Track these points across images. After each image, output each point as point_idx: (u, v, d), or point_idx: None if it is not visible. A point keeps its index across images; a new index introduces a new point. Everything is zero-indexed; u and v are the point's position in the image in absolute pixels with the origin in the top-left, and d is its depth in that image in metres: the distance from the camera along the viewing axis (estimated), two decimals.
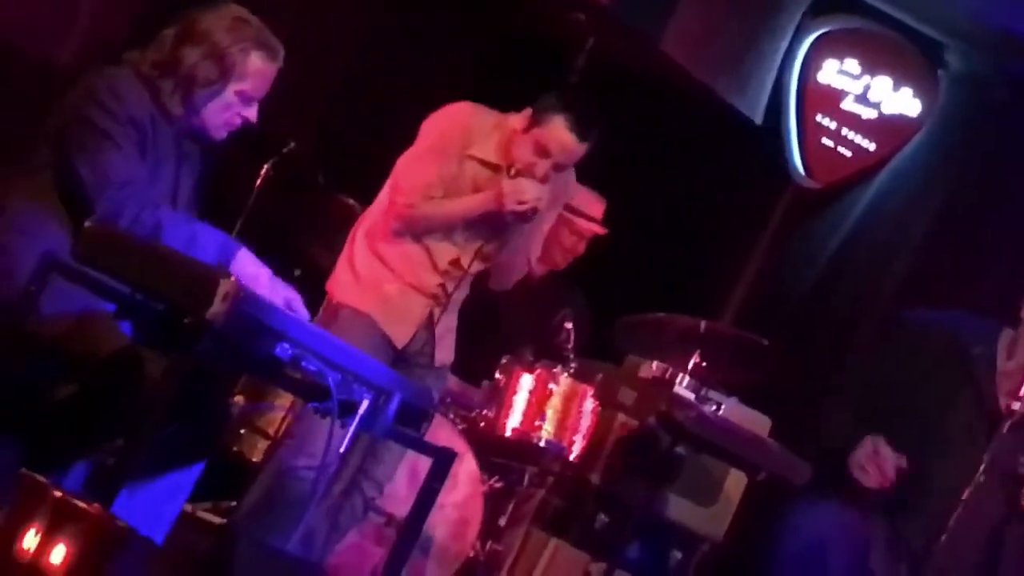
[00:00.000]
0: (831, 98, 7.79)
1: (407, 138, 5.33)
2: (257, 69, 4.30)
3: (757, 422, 5.87)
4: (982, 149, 7.34)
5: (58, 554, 3.19)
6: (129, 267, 3.73)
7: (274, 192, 6.15)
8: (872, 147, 7.72)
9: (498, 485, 5.91)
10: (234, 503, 5.87)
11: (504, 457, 5.88)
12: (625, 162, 7.43)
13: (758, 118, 7.84)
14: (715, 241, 7.73)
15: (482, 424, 5.75)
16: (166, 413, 3.73)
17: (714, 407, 5.64)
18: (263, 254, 5.09)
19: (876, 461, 4.87)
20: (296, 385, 4.11)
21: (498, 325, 6.37)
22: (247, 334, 3.65)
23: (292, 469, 5.17)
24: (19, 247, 4.09)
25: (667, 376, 5.68)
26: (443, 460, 4.36)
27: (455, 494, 5.68)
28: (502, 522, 5.83)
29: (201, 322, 3.54)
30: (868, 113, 7.73)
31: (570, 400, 5.66)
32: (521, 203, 5.11)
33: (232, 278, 3.57)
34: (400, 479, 5.59)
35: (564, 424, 5.64)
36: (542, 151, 5.15)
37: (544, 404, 5.63)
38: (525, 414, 5.64)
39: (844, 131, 7.76)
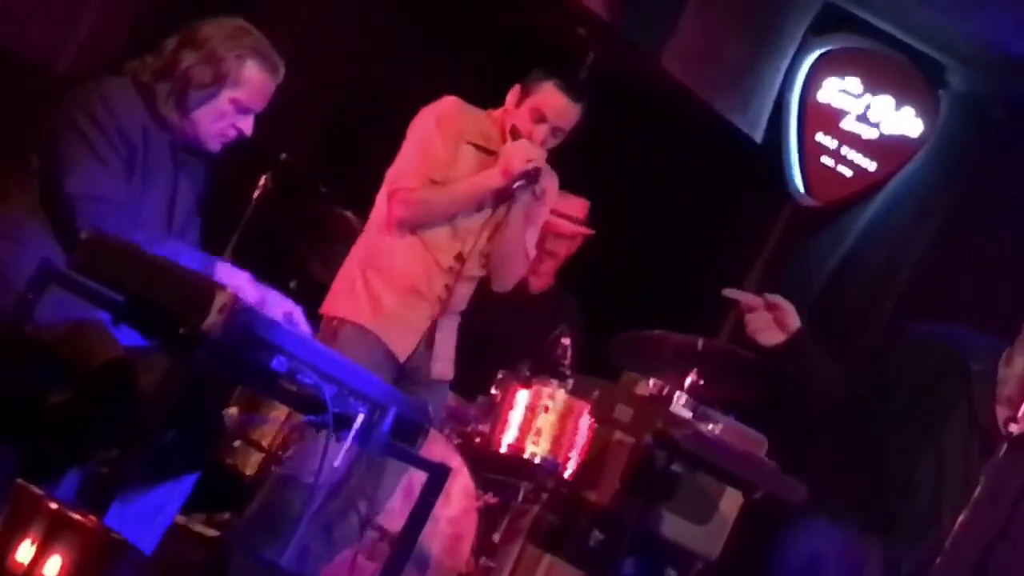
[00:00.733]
0: (832, 117, 7.79)
1: None
2: (253, 78, 4.30)
3: (754, 440, 5.85)
4: (982, 169, 7.34)
5: (53, 566, 3.18)
6: (126, 277, 3.73)
7: (271, 203, 6.14)
8: (873, 167, 7.72)
9: (492, 501, 5.88)
10: (228, 515, 5.85)
11: (499, 473, 5.86)
12: (624, 178, 7.44)
13: (758, 136, 7.84)
14: (714, 258, 7.72)
15: (477, 439, 5.73)
16: (161, 423, 3.72)
17: (711, 425, 5.62)
18: (260, 265, 5.09)
19: (768, 308, 4.82)
20: (291, 398, 4.10)
21: (494, 340, 6.35)
22: (243, 346, 3.64)
23: (295, 483, 5.15)
24: (12, 255, 4.08)
25: (664, 393, 5.66)
26: (438, 475, 4.34)
27: (449, 509, 5.67)
28: (496, 538, 5.81)
29: (197, 333, 3.52)
30: (869, 133, 7.73)
31: (566, 416, 5.64)
32: (528, 160, 5.13)
33: (228, 290, 3.56)
34: (396, 494, 5.57)
35: (560, 440, 5.62)
36: (538, 116, 5.21)
37: (540, 420, 5.61)
38: (521, 430, 5.62)
39: (844, 150, 7.76)
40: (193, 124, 4.30)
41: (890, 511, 4.88)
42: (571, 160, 7.06)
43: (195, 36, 4.29)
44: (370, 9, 7.00)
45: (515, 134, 5.23)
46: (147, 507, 4.16)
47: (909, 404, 4.96)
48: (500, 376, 5.78)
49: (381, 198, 5.35)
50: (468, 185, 5.20)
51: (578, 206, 6.55)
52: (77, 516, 3.23)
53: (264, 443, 6.16)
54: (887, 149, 7.71)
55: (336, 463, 3.95)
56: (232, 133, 4.36)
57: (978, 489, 4.56)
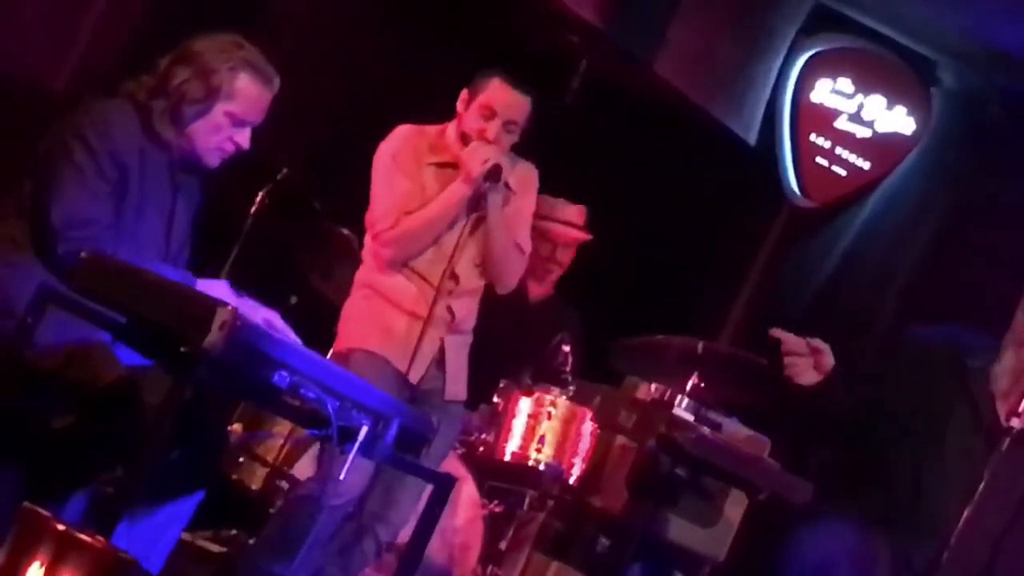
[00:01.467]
0: (825, 117, 7.80)
1: None
2: (246, 90, 4.30)
3: (757, 442, 5.86)
4: (977, 165, 7.35)
5: None
6: (126, 296, 3.73)
7: (270, 219, 6.15)
8: (867, 166, 7.73)
9: (498, 509, 5.89)
10: (234, 531, 5.86)
11: (503, 481, 5.87)
12: (620, 183, 7.45)
13: (752, 138, 7.85)
14: (712, 261, 7.73)
15: (481, 448, 5.75)
16: (165, 442, 3.73)
17: (713, 428, 5.63)
18: (260, 281, 5.11)
19: (810, 353, 4.84)
20: (295, 413, 4.10)
21: (495, 349, 6.34)
22: (244, 362, 3.65)
23: (315, 505, 5.12)
24: (8, 280, 4.09)
25: (666, 398, 5.67)
26: (443, 485, 4.35)
27: (455, 519, 5.67)
28: (503, 546, 5.82)
29: (198, 351, 3.53)
30: (862, 132, 7.75)
31: (569, 423, 5.65)
32: (484, 161, 5.13)
33: (229, 307, 3.57)
34: (410, 519, 5.57)
35: (563, 447, 5.63)
36: (488, 113, 5.21)
37: (543, 427, 5.62)
38: (524, 438, 5.64)
39: (838, 150, 7.77)
40: (189, 140, 4.30)
41: (898, 511, 4.89)
42: (567, 167, 7.09)
43: (188, 52, 4.29)
44: (362, 23, 7.01)
45: (466, 139, 5.22)
46: (153, 526, 4.16)
47: (912, 408, 4.97)
48: (502, 385, 5.79)
49: (367, 241, 5.35)
50: (439, 203, 5.20)
51: (576, 213, 6.56)
52: (85, 537, 3.23)
53: (268, 458, 6.17)
54: (881, 148, 7.72)
55: (342, 476, 3.95)
56: (230, 147, 4.35)
57: (982, 484, 4.57)
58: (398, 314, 5.22)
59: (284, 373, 3.70)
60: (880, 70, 7.74)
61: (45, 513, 3.26)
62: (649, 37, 7.26)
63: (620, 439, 5.68)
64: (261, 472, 6.18)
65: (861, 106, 7.75)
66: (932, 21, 7.39)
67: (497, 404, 5.76)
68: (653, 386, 5.74)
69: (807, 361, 4.86)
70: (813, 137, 7.80)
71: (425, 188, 5.23)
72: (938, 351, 5.03)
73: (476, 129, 5.21)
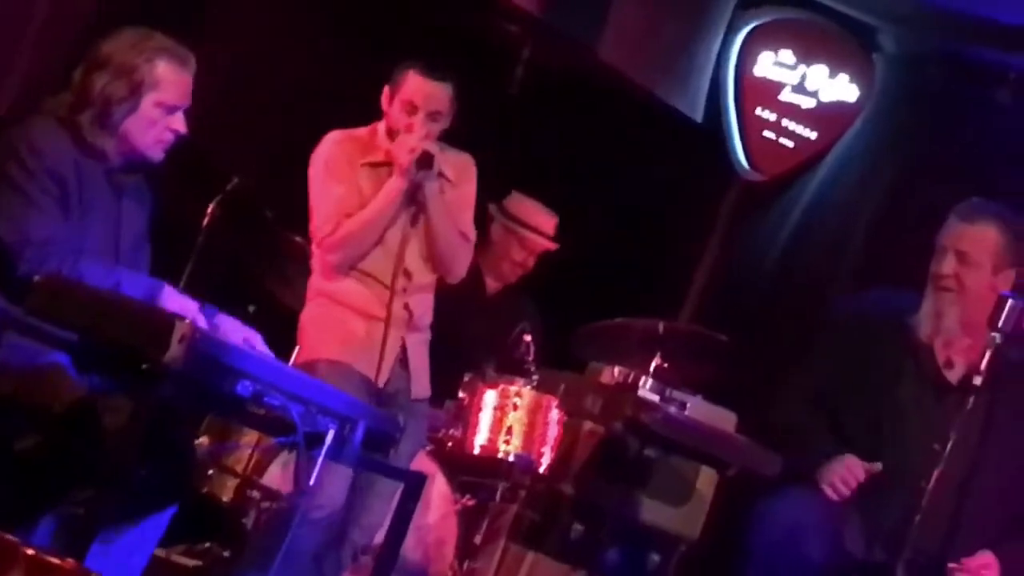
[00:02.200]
0: (769, 90, 7.82)
1: None
2: (168, 76, 4.29)
3: (723, 418, 5.89)
4: (923, 128, 7.38)
5: None
6: (83, 317, 3.71)
7: (224, 229, 6.12)
8: (814, 136, 7.76)
9: (471, 503, 5.90)
10: (208, 545, 5.84)
11: (474, 475, 5.87)
12: (571, 170, 7.45)
13: (699, 116, 7.87)
14: (667, 242, 7.74)
15: (450, 444, 5.75)
16: (132, 460, 3.72)
17: (679, 407, 5.65)
18: (217, 291, 5.08)
19: (847, 479, 4.90)
20: (260, 422, 4.10)
21: (457, 345, 6.35)
22: (207, 374, 3.65)
23: (299, 523, 5.10)
24: None
25: (630, 380, 5.69)
26: (414, 483, 4.35)
27: (429, 516, 5.68)
28: (478, 540, 5.82)
29: (160, 366, 3.52)
30: (807, 102, 7.77)
31: (535, 412, 5.66)
32: (412, 150, 5.13)
33: (187, 320, 3.56)
34: (384, 522, 5.57)
35: (531, 437, 5.64)
36: (409, 107, 5.20)
37: (509, 419, 5.62)
38: (491, 430, 5.64)
39: (784, 122, 7.79)
40: (126, 140, 4.29)
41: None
42: (516, 157, 7.10)
43: (100, 57, 4.27)
44: (304, 26, 6.98)
45: (392, 135, 5.22)
46: (126, 544, 4.15)
47: (861, 375, 5.02)
48: (466, 379, 5.79)
49: (313, 250, 5.34)
50: (377, 202, 5.19)
51: (549, 222, 6.61)
52: (55, 560, 3.22)
53: (238, 468, 6.15)
54: (826, 117, 7.74)
55: (312, 482, 3.95)
56: (169, 136, 4.34)
57: (949, 444, 4.62)
58: (355, 318, 5.21)
59: (247, 382, 3.69)
60: (821, 39, 7.77)
61: (12, 538, 3.24)
62: (590, 22, 7.27)
63: (588, 424, 5.69)
64: (232, 483, 6.16)
65: (804, 76, 7.78)
66: None
67: (463, 399, 5.76)
68: (616, 369, 5.76)
69: None
70: (759, 111, 7.82)
71: (362, 190, 5.22)
72: (876, 317, 5.11)
73: (402, 126, 5.21)
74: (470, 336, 6.37)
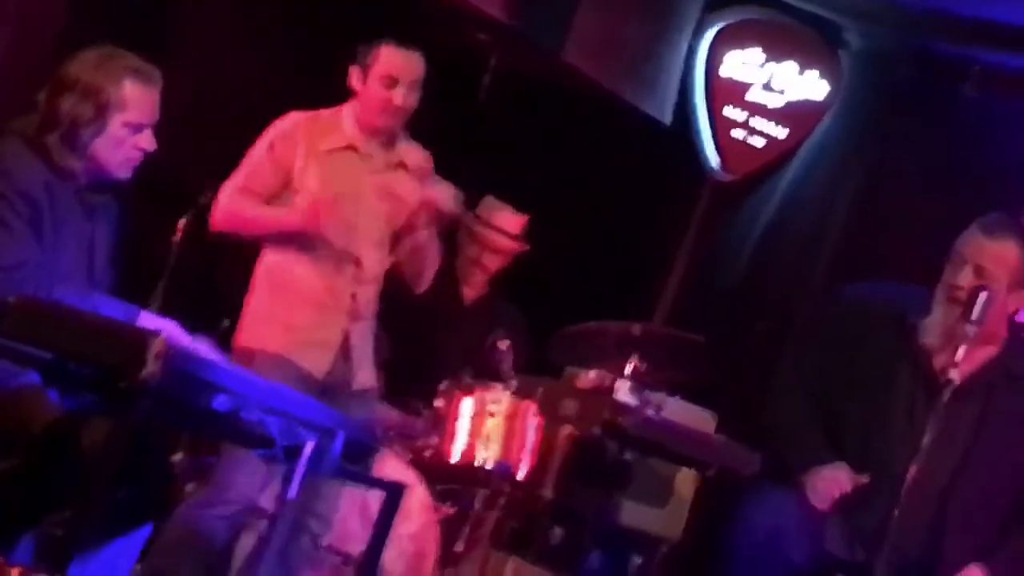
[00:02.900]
0: (737, 90, 7.84)
1: None
2: (134, 95, 4.28)
3: (702, 418, 5.90)
4: (892, 123, 7.41)
5: None
6: (58, 337, 3.69)
7: (194, 245, 6.11)
8: (783, 134, 7.77)
9: (451, 511, 5.89)
10: None
11: (454, 483, 5.87)
12: (542, 176, 7.45)
13: (667, 118, 7.88)
14: (641, 245, 7.75)
15: (428, 453, 5.74)
16: (109, 480, 3.70)
17: (657, 409, 5.65)
18: (189, 308, 5.07)
19: (832, 490, 4.90)
20: (238, 436, 4.09)
21: (435, 355, 6.36)
22: (183, 390, 3.64)
23: (207, 517, 5.10)
24: None
25: (606, 383, 5.68)
26: (394, 493, 4.35)
27: (409, 525, 5.66)
28: (459, 548, 5.80)
29: (136, 384, 3.51)
30: (775, 101, 7.79)
31: (513, 418, 5.66)
32: (452, 197, 5.19)
33: (161, 336, 3.55)
34: (351, 516, 5.57)
35: (510, 443, 5.63)
36: (388, 81, 5.23)
37: (487, 426, 5.62)
38: (469, 438, 5.63)
39: (753, 121, 7.81)
40: (95, 160, 4.27)
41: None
42: (486, 164, 7.10)
43: (65, 78, 4.26)
44: (270, 38, 6.97)
45: (371, 111, 5.22)
46: (104, 562, 4.14)
47: (854, 369, 5.02)
48: (443, 387, 5.78)
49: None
50: (269, 218, 5.22)
51: (514, 222, 6.59)
52: None
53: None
54: (795, 115, 7.76)
55: (292, 495, 3.94)
56: (136, 155, 4.33)
57: (925, 439, 4.61)
58: (300, 306, 5.20)
59: (223, 397, 3.69)
60: (788, 37, 7.79)
61: None
62: (556, 28, 7.27)
63: (566, 429, 5.68)
64: None
65: (772, 75, 7.79)
66: None
67: (439, 407, 5.75)
68: (593, 373, 5.75)
69: None
70: (727, 111, 7.84)
71: (308, 176, 5.20)
72: (878, 310, 5.09)
73: (381, 99, 5.21)
74: (447, 345, 6.37)
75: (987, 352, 4.90)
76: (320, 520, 5.32)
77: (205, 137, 6.17)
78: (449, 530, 5.83)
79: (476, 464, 5.62)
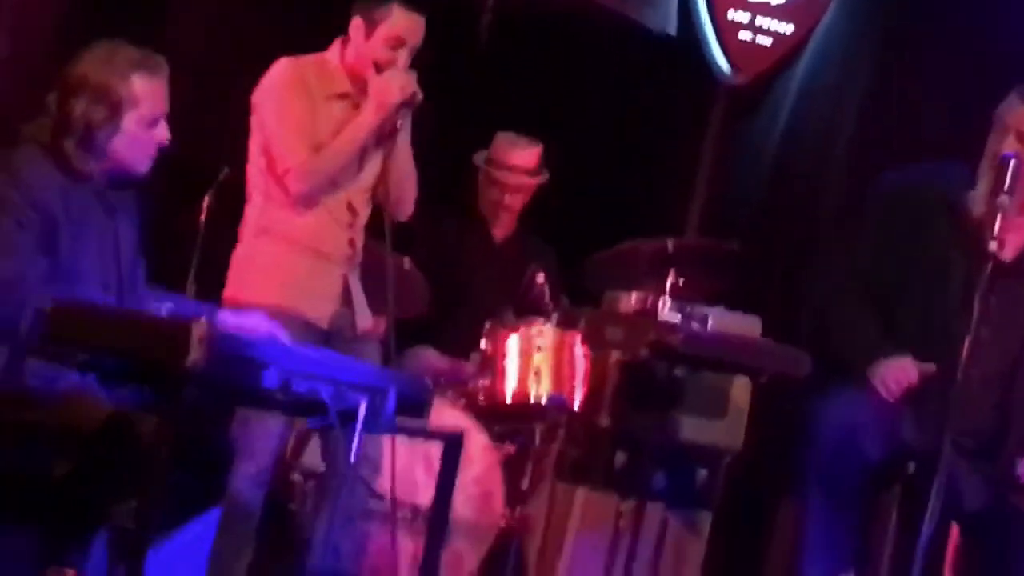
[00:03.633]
0: None
1: None
2: (145, 90, 4.24)
3: (747, 324, 5.86)
4: (898, 6, 7.32)
5: None
6: (100, 337, 3.70)
7: (221, 221, 6.11)
8: (790, 29, 7.70)
9: (512, 450, 5.91)
10: None
11: (510, 422, 5.88)
12: (554, 105, 7.41)
13: (672, 29, 7.82)
14: (662, 161, 7.71)
15: (481, 396, 5.74)
16: (170, 467, 3.72)
17: (701, 322, 5.63)
18: (223, 283, 5.08)
19: (900, 381, 4.88)
20: (291, 407, 4.10)
21: (472, 297, 6.36)
22: (230, 371, 3.64)
23: (243, 479, 5.05)
24: None
25: (649, 304, 5.66)
26: (453, 442, 4.36)
27: (472, 470, 5.68)
28: (525, 485, 5.83)
29: (183, 372, 3.52)
30: None
31: (560, 350, 5.66)
32: (404, 89, 5.10)
33: (203, 320, 3.56)
34: (416, 468, 5.59)
35: (560, 375, 5.64)
36: (396, 42, 5.13)
37: (536, 361, 5.62)
38: (520, 375, 5.64)
39: (759, 20, 7.73)
40: (114, 160, 4.25)
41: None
42: (497, 102, 7.07)
43: (74, 79, 4.22)
44: (273, 13, 6.92)
45: (379, 68, 5.16)
46: (180, 549, 4.17)
47: (908, 254, 5.00)
48: (487, 327, 5.78)
49: (257, 173, 5.22)
50: (348, 135, 5.09)
51: (528, 157, 6.56)
52: None
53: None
54: (799, 8, 7.68)
55: (352, 459, 3.95)
56: (153, 150, 4.32)
57: (976, 311, 4.59)
58: (299, 255, 5.11)
59: (271, 372, 3.69)
60: None
61: (70, 572, 3.25)
62: None
63: (614, 355, 5.66)
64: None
65: None
66: None
67: (486, 349, 5.75)
68: (634, 296, 5.74)
69: None
70: (731, 14, 7.76)
71: (319, 121, 5.16)
72: (924, 190, 5.06)
73: (385, 60, 5.13)
74: (485, 287, 6.38)
75: None
76: (368, 462, 5.25)
77: (211, 113, 6.15)
78: (512, 469, 5.85)
79: (530, 400, 5.63)
